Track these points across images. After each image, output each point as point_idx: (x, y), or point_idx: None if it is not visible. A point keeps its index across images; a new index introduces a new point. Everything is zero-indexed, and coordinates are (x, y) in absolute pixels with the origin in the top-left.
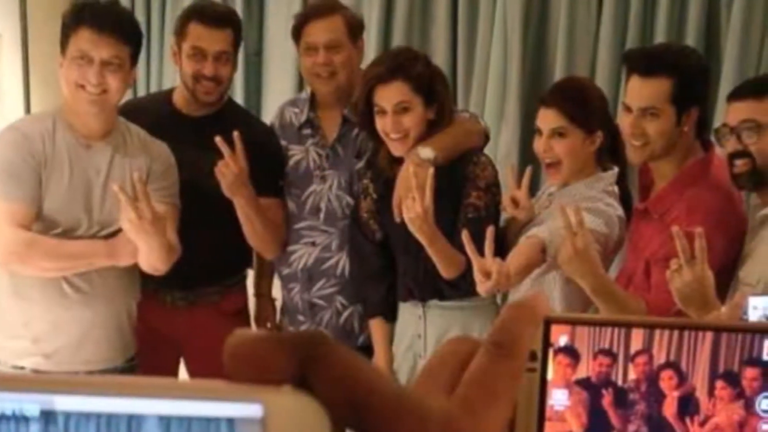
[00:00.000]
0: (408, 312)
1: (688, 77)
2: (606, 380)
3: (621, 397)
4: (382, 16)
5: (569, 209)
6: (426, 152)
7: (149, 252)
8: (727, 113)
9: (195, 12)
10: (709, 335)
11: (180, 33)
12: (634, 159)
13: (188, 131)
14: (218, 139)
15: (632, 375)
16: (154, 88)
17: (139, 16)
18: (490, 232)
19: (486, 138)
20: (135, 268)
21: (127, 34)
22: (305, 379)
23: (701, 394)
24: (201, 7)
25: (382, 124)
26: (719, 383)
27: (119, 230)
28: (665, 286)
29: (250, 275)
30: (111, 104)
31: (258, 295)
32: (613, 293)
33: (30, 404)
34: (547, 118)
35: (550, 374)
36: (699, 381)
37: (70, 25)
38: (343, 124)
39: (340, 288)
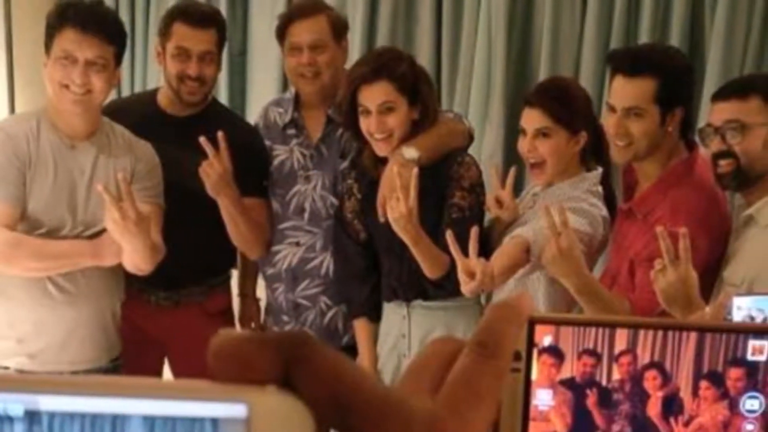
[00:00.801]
0: (392, 312)
1: (673, 77)
2: (590, 380)
3: (605, 397)
4: (366, 16)
5: (553, 209)
6: (410, 152)
7: (133, 252)
8: (711, 113)
9: (179, 12)
10: (694, 335)
11: (164, 33)
12: (618, 159)
13: (172, 131)
14: (202, 139)
15: (616, 375)
16: (138, 89)
17: (123, 16)
18: (474, 232)
19: (470, 138)
20: (119, 268)
21: (112, 34)
22: (289, 380)
23: (685, 394)
24: (185, 7)
25: (366, 124)
26: (703, 383)
27: (103, 230)
28: (649, 286)
29: (235, 275)
30: (95, 104)
31: (242, 295)
32: (597, 293)
33: (14, 404)
34: (532, 119)
35: (534, 374)
36: (683, 381)
37: (55, 25)
38: (327, 124)
39: (325, 288)
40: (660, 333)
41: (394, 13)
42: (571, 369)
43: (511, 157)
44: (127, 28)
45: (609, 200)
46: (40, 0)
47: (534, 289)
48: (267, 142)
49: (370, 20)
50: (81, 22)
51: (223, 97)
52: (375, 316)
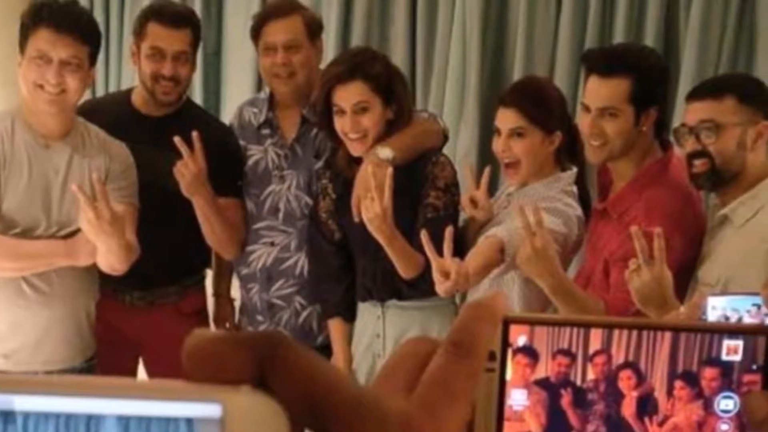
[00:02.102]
0: (367, 312)
1: (647, 77)
2: (565, 380)
3: (580, 397)
4: (341, 16)
5: (528, 209)
6: (385, 152)
7: (108, 252)
8: (685, 113)
9: (154, 12)
10: (668, 335)
11: (139, 33)
12: (592, 159)
13: (147, 131)
14: (177, 139)
15: (591, 375)
16: (113, 88)
17: (98, 15)
18: (449, 232)
19: (445, 138)
20: (94, 268)
21: (86, 34)
22: (264, 380)
23: (660, 394)
24: (160, 7)
25: (340, 124)
26: (678, 383)
27: (78, 230)
28: (624, 286)
29: (209, 275)
30: (70, 104)
31: (217, 295)
32: (571, 293)
33: None
34: (506, 118)
35: (509, 374)
36: (658, 381)
37: (29, 25)
38: (301, 124)
39: (299, 288)
40: (634, 333)
41: (369, 13)
42: (545, 369)
43: (485, 156)
44: (102, 27)
45: (584, 200)
46: None
47: (508, 289)
48: (241, 142)
49: (345, 20)
50: (55, 22)
51: (197, 96)
52: (350, 316)
